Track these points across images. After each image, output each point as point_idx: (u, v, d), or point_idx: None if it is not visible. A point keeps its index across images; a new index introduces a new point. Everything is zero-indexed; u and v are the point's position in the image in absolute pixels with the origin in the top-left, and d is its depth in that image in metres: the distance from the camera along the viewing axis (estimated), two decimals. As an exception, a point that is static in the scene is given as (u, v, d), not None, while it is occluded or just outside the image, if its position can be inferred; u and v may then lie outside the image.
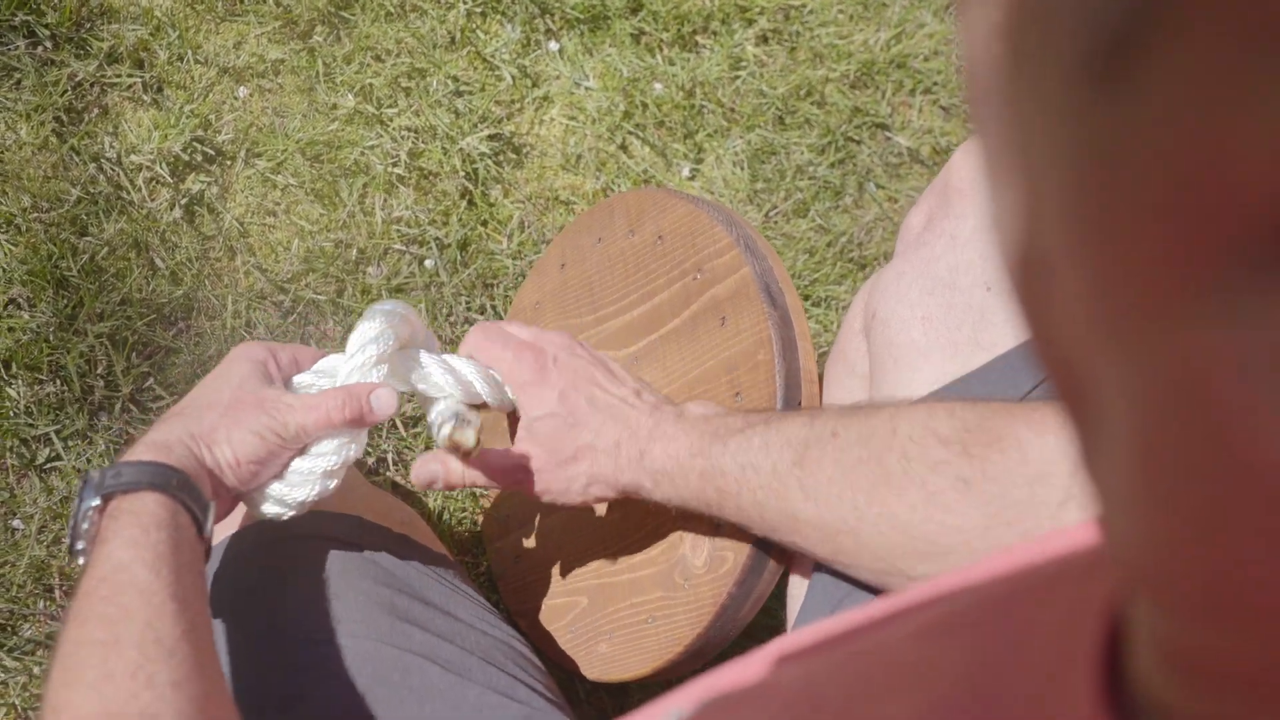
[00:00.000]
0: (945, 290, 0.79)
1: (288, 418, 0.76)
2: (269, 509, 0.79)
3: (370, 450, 1.12)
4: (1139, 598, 0.23)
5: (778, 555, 0.81)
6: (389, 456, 1.12)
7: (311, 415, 0.76)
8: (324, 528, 0.86)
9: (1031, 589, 0.32)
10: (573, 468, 0.80)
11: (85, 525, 0.68)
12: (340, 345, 1.15)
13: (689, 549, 0.85)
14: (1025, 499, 0.59)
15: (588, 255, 1.01)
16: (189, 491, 0.70)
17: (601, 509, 0.93)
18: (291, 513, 0.79)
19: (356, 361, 0.80)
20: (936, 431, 0.64)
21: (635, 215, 0.97)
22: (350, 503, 0.90)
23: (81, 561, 0.68)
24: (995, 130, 0.19)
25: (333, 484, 0.79)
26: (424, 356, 0.83)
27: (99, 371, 1.07)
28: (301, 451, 0.78)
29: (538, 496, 0.82)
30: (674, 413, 0.79)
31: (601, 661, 0.91)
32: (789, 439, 0.72)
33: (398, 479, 1.13)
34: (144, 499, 0.67)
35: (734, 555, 0.81)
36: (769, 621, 1.11)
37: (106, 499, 0.68)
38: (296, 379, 0.82)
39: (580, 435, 0.80)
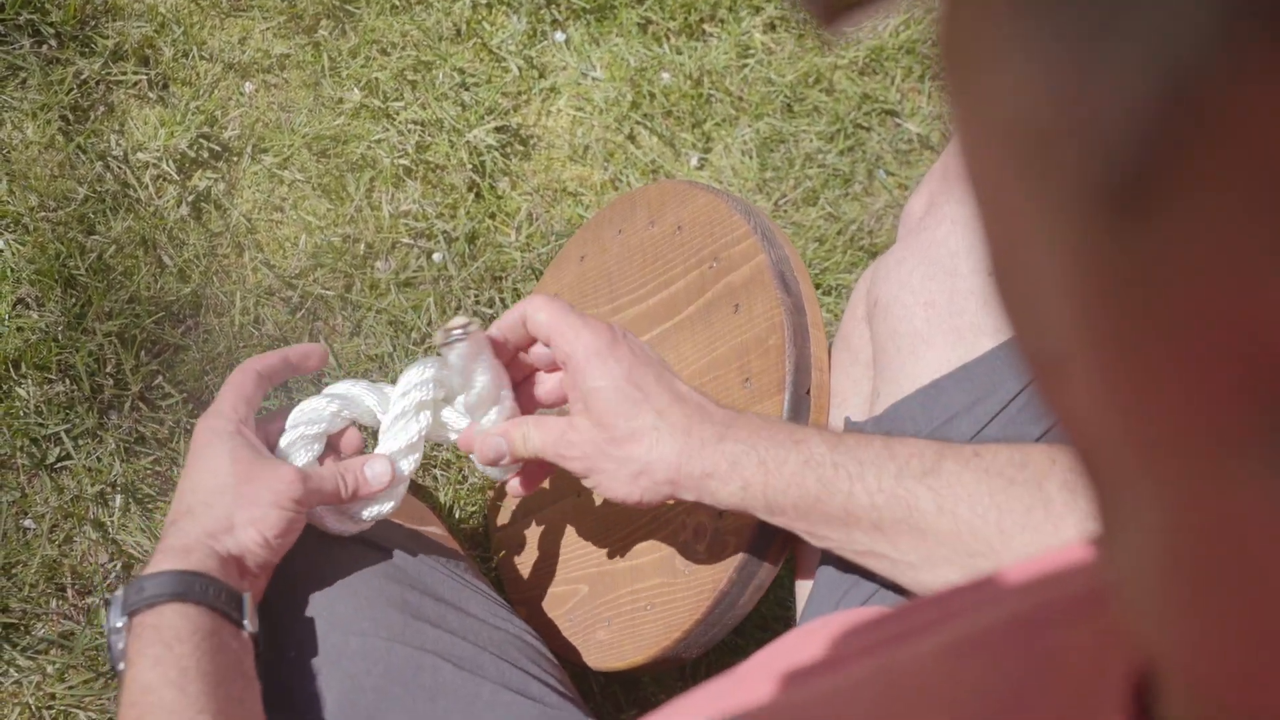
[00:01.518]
0: (947, 276, 0.78)
1: (306, 485, 0.76)
2: (334, 527, 0.82)
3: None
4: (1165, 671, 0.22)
5: (780, 544, 0.81)
6: (399, 451, 1.12)
7: (326, 484, 0.78)
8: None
9: (1060, 608, 0.31)
10: (628, 448, 0.72)
11: (119, 646, 0.68)
12: (349, 340, 1.15)
13: (691, 535, 0.84)
14: None
15: (608, 247, 1.00)
16: (215, 591, 0.69)
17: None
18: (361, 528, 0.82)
19: (398, 408, 0.82)
20: None
21: (656, 207, 0.97)
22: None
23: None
24: (999, 225, 0.18)
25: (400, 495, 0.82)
26: (448, 414, 0.85)
27: (108, 370, 1.07)
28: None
29: (583, 476, 0.75)
30: (755, 413, 0.74)
31: (599, 649, 0.91)
32: (919, 448, 0.66)
33: (408, 474, 1.12)
34: (165, 613, 0.67)
35: (735, 540, 0.81)
36: (781, 613, 1.10)
37: (132, 616, 0.68)
38: (305, 406, 0.84)
39: (642, 414, 0.72)
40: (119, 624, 0.68)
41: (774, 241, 0.87)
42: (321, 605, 0.80)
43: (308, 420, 0.83)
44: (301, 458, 0.81)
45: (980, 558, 0.63)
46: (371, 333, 1.15)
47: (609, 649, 0.90)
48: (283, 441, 0.82)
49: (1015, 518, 0.62)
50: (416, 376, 0.83)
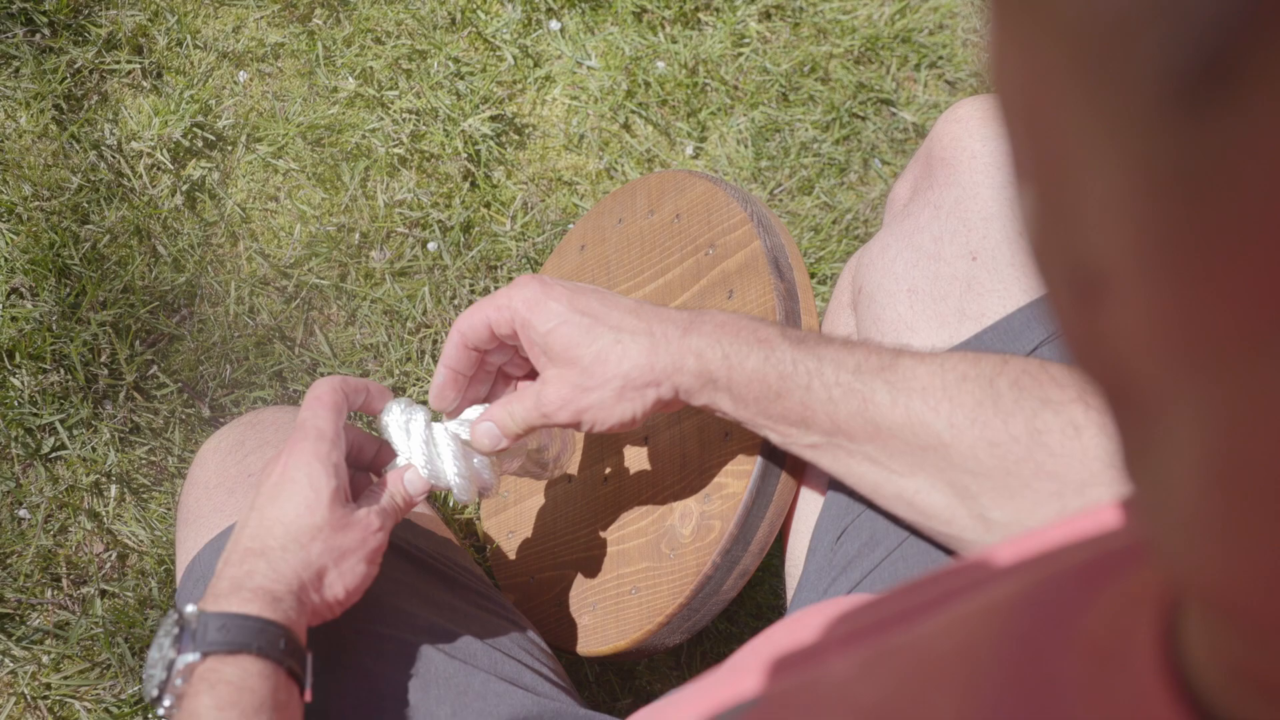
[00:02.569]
0: (930, 261, 0.78)
1: (387, 534, 0.73)
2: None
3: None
4: (1198, 610, 0.22)
5: (767, 529, 0.81)
6: (394, 441, 1.12)
7: (392, 519, 0.74)
8: None
9: (1071, 578, 0.31)
10: (600, 371, 0.71)
11: (179, 681, 0.62)
12: (344, 329, 1.15)
13: (678, 519, 0.84)
14: None
15: (608, 236, 1.01)
16: (294, 652, 0.65)
17: (599, 479, 0.93)
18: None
19: (420, 454, 0.78)
20: (1054, 375, 0.61)
21: (656, 196, 0.97)
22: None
23: (161, 712, 0.63)
24: (1039, 145, 0.18)
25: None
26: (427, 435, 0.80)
27: (103, 360, 1.07)
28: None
29: (576, 424, 0.74)
30: (719, 309, 0.73)
31: (583, 634, 0.91)
32: (875, 349, 0.67)
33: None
34: (245, 665, 0.62)
35: (721, 524, 0.81)
36: (775, 601, 1.11)
37: (206, 654, 0.62)
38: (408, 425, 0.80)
39: (599, 334, 0.71)
40: (192, 658, 0.61)
41: (770, 229, 0.87)
42: None
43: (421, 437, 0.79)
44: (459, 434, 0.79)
45: (931, 452, 0.64)
46: (366, 322, 1.15)
47: (592, 633, 0.90)
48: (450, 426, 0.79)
49: (965, 412, 0.62)
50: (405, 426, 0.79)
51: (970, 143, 0.80)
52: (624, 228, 0.99)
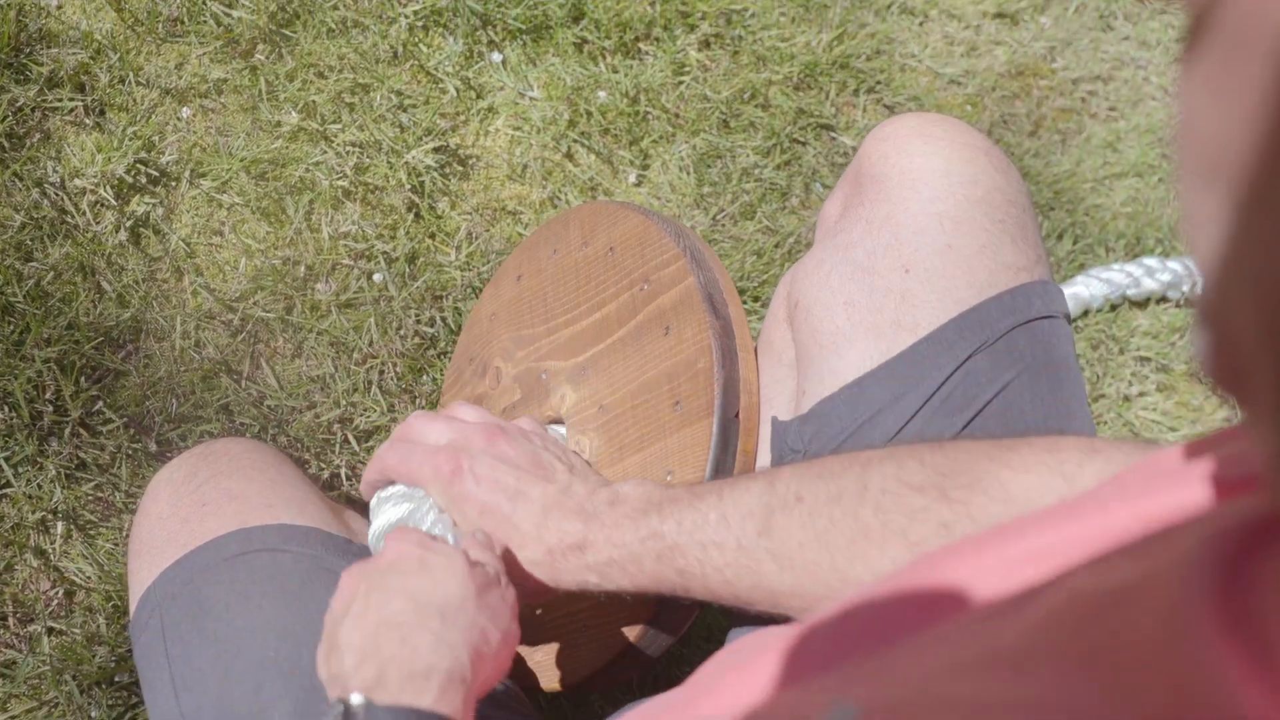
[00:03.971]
0: (864, 275, 0.80)
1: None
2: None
3: (324, 465, 1.12)
4: None
5: None
6: (342, 472, 1.13)
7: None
8: (283, 541, 0.86)
9: (1129, 544, 0.31)
10: (504, 580, 0.71)
11: None
12: (290, 362, 1.16)
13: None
14: None
15: (544, 267, 1.01)
16: None
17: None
18: None
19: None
20: (909, 481, 0.63)
21: (589, 228, 0.98)
22: (308, 514, 0.90)
23: None
24: (1244, 190, 0.19)
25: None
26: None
27: (47, 396, 1.07)
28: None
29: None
30: (608, 497, 0.74)
31: (537, 668, 0.91)
32: (749, 509, 0.68)
33: (352, 493, 1.13)
34: None
35: None
36: (725, 623, 1.12)
37: None
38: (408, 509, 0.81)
39: (510, 544, 0.74)
40: None
41: (703, 264, 0.88)
42: (272, 625, 0.80)
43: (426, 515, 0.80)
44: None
45: (835, 592, 0.65)
46: (313, 354, 1.16)
47: (548, 671, 0.91)
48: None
49: (843, 554, 0.64)
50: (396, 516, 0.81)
51: (899, 159, 0.82)
52: (558, 259, 1.00)
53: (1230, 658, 0.24)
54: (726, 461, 0.83)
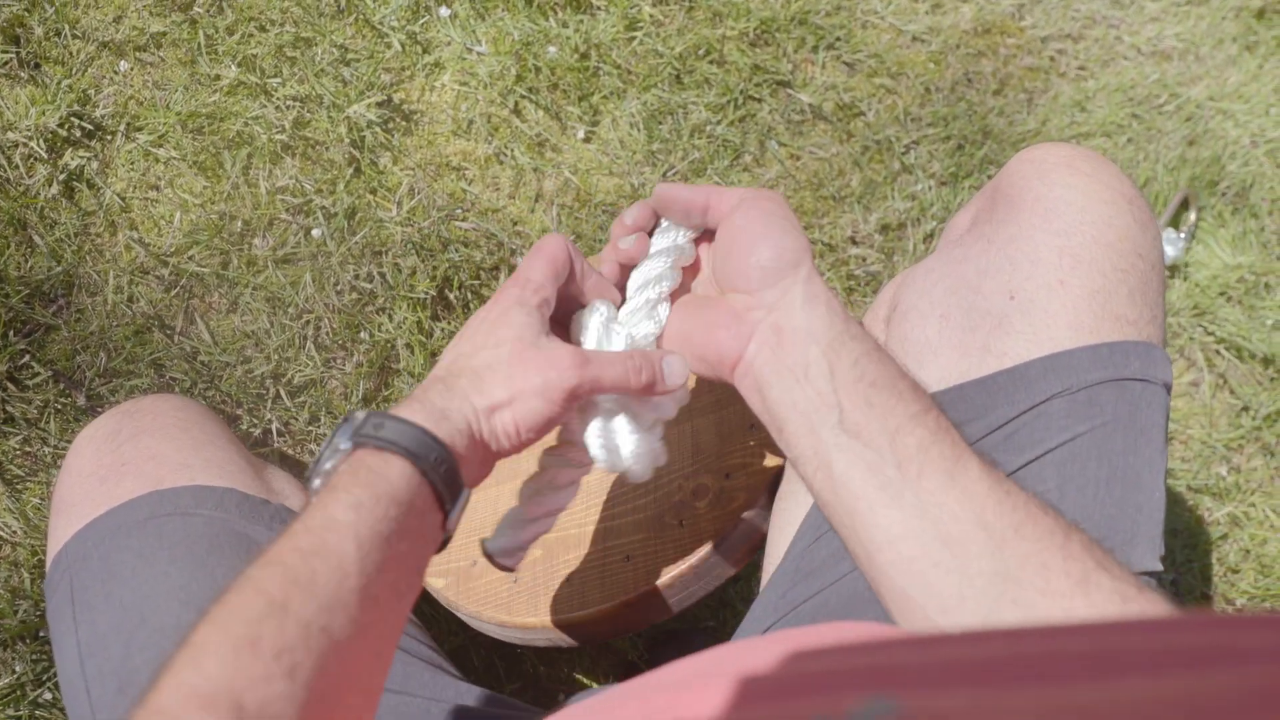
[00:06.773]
0: (969, 292, 0.77)
1: (583, 373, 0.68)
2: (598, 454, 0.73)
3: (255, 421, 1.11)
4: None
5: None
6: (274, 427, 1.11)
7: (609, 372, 0.69)
8: (195, 504, 0.84)
9: None
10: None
11: (328, 464, 0.62)
12: (225, 317, 1.14)
13: (690, 495, 0.88)
14: None
15: None
16: (446, 473, 0.63)
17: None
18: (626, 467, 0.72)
19: (636, 303, 0.74)
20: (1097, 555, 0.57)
21: None
22: (227, 475, 0.88)
23: (310, 490, 0.63)
24: None
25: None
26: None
27: (-27, 350, 1.06)
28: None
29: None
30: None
31: (558, 603, 0.89)
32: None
33: (286, 450, 1.12)
34: (392, 463, 0.61)
35: (747, 495, 0.86)
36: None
37: (357, 446, 0.62)
38: (645, 269, 0.75)
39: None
40: (343, 446, 0.62)
41: None
42: (179, 593, 0.79)
43: (656, 279, 0.74)
44: (647, 327, 0.73)
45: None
46: (248, 309, 1.14)
47: (568, 601, 0.89)
48: (624, 311, 0.74)
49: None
50: (653, 271, 0.74)
51: (1038, 185, 0.78)
52: None
53: None
54: None
